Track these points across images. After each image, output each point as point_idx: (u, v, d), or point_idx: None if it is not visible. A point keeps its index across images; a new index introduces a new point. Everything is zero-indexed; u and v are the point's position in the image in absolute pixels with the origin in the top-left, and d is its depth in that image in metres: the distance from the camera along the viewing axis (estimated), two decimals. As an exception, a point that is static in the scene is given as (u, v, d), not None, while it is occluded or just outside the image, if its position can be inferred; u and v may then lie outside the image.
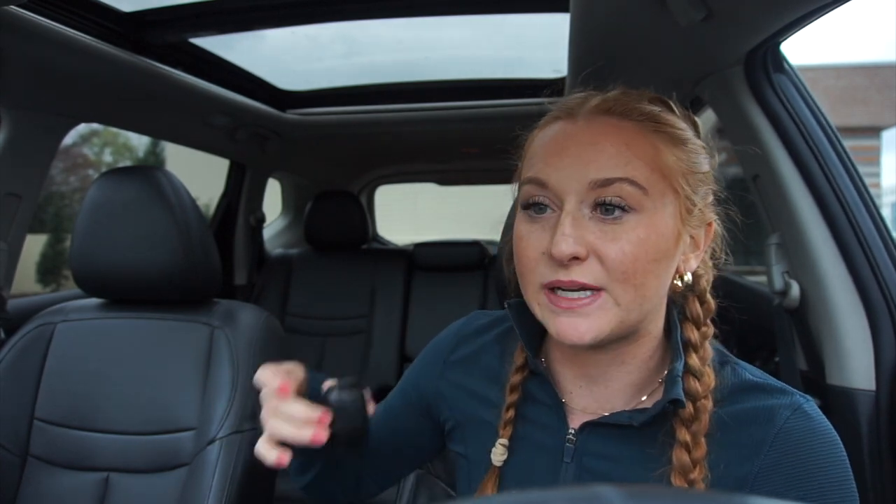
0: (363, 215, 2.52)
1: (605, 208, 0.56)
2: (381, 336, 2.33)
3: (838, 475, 0.55)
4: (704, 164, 0.61)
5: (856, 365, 0.98)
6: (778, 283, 1.11)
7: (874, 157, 10.43)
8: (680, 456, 0.56)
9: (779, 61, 1.08)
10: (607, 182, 0.55)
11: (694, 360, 0.59)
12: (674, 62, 1.16)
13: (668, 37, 1.02)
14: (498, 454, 0.67)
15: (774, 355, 1.22)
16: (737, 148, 1.20)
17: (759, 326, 1.36)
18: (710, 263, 0.65)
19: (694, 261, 0.62)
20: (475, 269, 2.51)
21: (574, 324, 0.56)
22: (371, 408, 0.67)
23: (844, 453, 0.56)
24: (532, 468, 0.66)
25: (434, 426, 0.78)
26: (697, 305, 0.63)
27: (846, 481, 0.55)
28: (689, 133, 0.61)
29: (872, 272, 0.98)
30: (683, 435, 0.57)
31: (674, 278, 0.61)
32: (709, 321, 0.63)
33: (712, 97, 1.21)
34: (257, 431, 1.06)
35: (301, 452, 0.68)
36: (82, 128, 8.67)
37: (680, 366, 0.59)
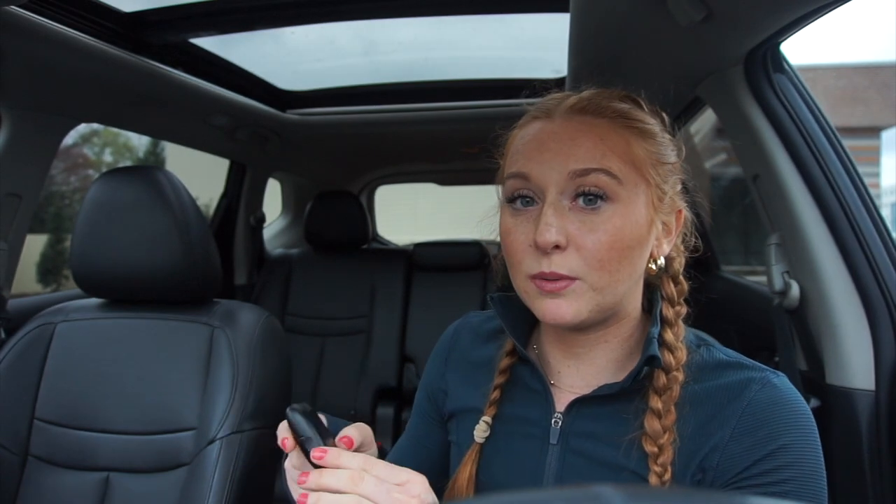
0: (363, 215, 2.52)
1: (585, 198, 0.60)
2: (380, 336, 2.33)
3: (802, 438, 0.58)
4: (672, 155, 0.66)
5: (856, 365, 0.98)
6: (778, 283, 1.11)
7: (874, 157, 10.43)
8: (651, 423, 0.60)
9: (779, 61, 1.08)
10: (585, 172, 0.60)
11: (669, 334, 0.64)
12: (674, 62, 1.16)
13: (668, 37, 1.02)
14: (480, 431, 0.70)
15: (774, 355, 1.22)
16: (737, 148, 1.20)
17: (760, 326, 1.36)
18: (682, 248, 0.70)
19: (666, 245, 0.67)
20: (475, 269, 2.51)
21: (557, 305, 0.61)
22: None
23: (811, 418, 0.60)
24: (517, 452, 0.68)
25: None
26: (672, 286, 0.67)
27: (810, 444, 0.58)
28: (657, 128, 0.66)
29: (872, 272, 0.99)
30: (655, 402, 0.61)
31: (649, 262, 0.65)
32: (682, 301, 0.67)
33: (712, 97, 1.21)
34: (257, 431, 1.07)
35: None
36: (82, 128, 8.67)
37: (656, 330, 0.63)
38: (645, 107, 0.67)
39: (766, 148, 1.07)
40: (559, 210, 0.60)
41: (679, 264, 0.68)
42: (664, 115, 0.69)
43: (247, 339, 1.12)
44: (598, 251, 0.59)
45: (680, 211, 0.67)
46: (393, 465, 0.55)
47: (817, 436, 0.59)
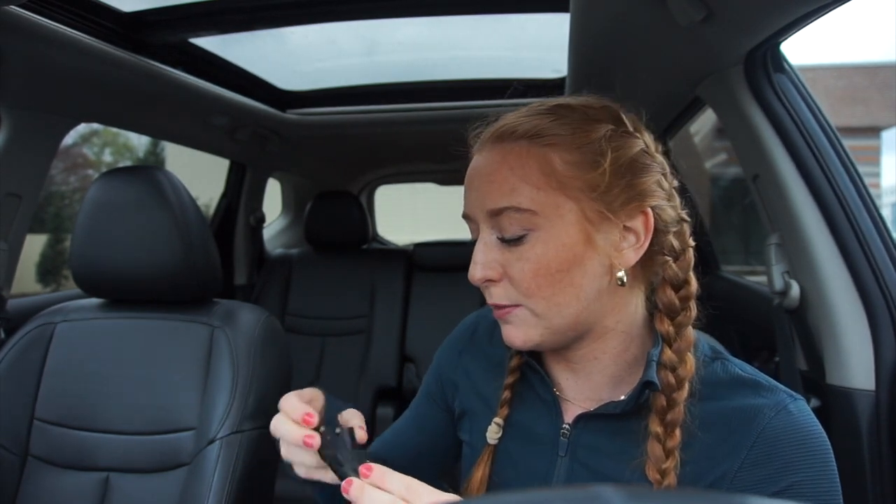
0: (363, 215, 2.52)
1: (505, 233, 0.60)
2: (380, 336, 2.33)
3: (818, 472, 0.54)
4: (629, 154, 0.60)
5: (856, 365, 0.98)
6: (778, 283, 1.11)
7: (874, 157, 10.43)
8: (653, 448, 0.57)
9: (779, 61, 1.08)
10: (497, 212, 0.60)
11: (668, 353, 0.59)
12: (674, 62, 1.16)
13: (667, 37, 1.02)
14: (492, 432, 0.69)
15: (774, 355, 1.22)
16: (737, 148, 1.20)
17: (760, 326, 1.36)
18: (689, 243, 0.63)
19: (633, 254, 0.60)
20: None
21: (507, 330, 0.63)
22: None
23: (828, 451, 0.56)
24: (528, 461, 0.67)
25: (452, 419, 0.80)
26: (670, 293, 0.61)
27: (826, 478, 0.55)
28: (597, 132, 0.60)
29: (872, 272, 0.98)
30: (656, 426, 0.57)
31: (617, 274, 0.60)
32: (690, 305, 0.61)
33: (712, 97, 1.21)
34: (257, 431, 1.07)
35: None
36: (82, 128, 8.67)
37: (656, 352, 0.60)
38: (588, 111, 0.61)
39: (766, 148, 1.07)
40: (488, 245, 0.62)
41: (674, 267, 0.61)
42: (622, 112, 0.63)
43: (247, 339, 1.12)
44: (524, 280, 0.59)
45: (644, 212, 0.60)
46: (435, 491, 0.53)
47: (835, 469, 0.55)
